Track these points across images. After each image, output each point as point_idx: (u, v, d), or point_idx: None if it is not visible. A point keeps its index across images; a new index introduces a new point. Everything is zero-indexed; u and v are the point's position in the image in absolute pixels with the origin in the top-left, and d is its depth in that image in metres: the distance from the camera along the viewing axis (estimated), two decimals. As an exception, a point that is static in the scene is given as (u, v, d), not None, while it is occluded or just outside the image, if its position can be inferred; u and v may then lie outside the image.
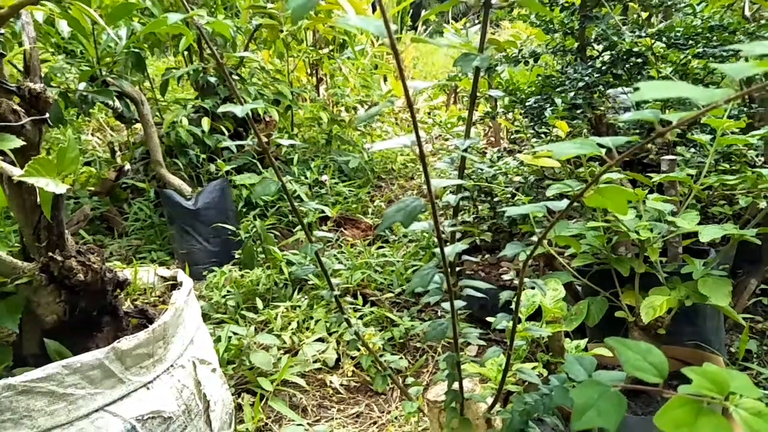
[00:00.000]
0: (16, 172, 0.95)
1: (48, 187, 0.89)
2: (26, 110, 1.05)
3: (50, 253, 1.17)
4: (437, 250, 0.69)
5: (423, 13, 11.63)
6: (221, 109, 0.70)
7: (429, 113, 6.22)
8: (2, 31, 1.01)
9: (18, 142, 0.97)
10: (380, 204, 3.78)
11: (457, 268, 2.32)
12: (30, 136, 1.05)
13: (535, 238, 0.75)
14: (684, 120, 0.44)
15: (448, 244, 0.79)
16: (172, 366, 1.43)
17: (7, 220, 2.94)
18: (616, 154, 0.53)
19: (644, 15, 2.37)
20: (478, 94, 0.89)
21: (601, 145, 0.51)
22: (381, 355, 2.08)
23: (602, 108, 2.22)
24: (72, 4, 1.58)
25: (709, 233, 1.37)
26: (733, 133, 1.99)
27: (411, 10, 10.03)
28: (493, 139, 4.95)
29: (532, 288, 1.32)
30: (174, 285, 1.75)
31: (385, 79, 7.11)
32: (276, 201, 3.48)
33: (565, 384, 0.64)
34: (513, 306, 1.15)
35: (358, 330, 0.91)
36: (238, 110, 0.66)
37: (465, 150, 0.68)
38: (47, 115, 1.08)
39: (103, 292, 1.30)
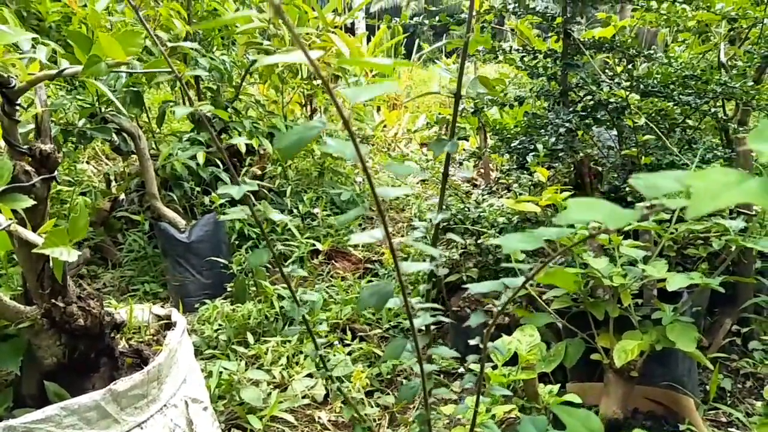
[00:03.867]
0: (30, 236, 1.02)
1: (62, 256, 0.97)
2: (36, 169, 1.13)
3: (53, 300, 1.24)
4: (426, 276, 0.76)
5: (416, 41, 11.83)
6: (221, 190, 0.78)
7: (422, 146, 6.35)
8: (19, 101, 1.09)
9: (30, 202, 1.05)
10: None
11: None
12: (39, 193, 1.12)
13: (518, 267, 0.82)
14: (610, 229, 0.52)
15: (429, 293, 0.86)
16: (165, 406, 1.48)
17: (6, 254, 2.99)
18: (557, 247, 0.62)
19: (619, 69, 2.49)
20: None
21: (548, 240, 0.59)
22: (368, 392, 2.13)
23: (582, 153, 2.32)
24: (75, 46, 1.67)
25: (676, 282, 1.45)
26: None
27: (405, 39, 10.25)
28: (483, 170, 5.07)
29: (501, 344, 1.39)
30: (168, 324, 1.81)
31: (378, 110, 7.26)
32: (269, 233, 3.55)
33: (522, 442, 0.71)
34: (493, 351, 1.21)
35: (340, 386, 0.98)
36: (234, 191, 0.74)
37: (438, 224, 0.76)
38: (56, 173, 1.16)
39: (101, 336, 1.36)
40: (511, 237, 0.58)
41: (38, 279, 1.25)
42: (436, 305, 0.73)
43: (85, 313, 1.28)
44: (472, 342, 0.72)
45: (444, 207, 2.01)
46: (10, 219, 1.02)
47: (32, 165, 1.13)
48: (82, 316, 1.27)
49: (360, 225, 4.10)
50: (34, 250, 1.00)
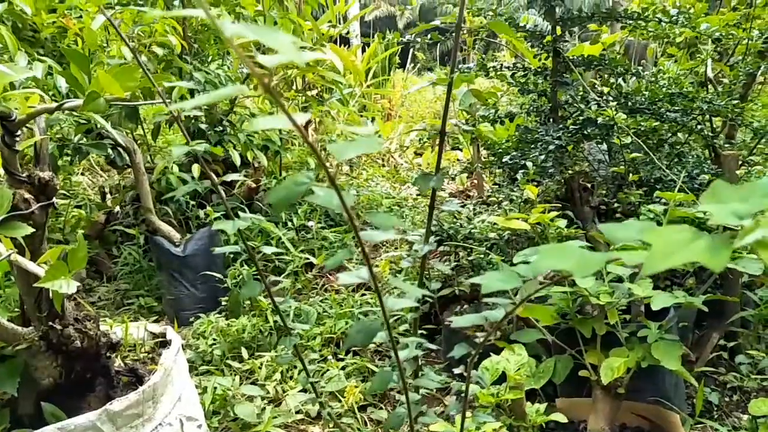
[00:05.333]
0: (30, 266, 1.05)
1: (62, 288, 1.00)
2: (35, 196, 1.16)
3: (50, 322, 1.26)
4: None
5: (411, 51, 11.90)
6: (216, 226, 0.81)
7: (417, 154, 6.39)
8: (19, 132, 1.12)
9: (29, 230, 1.08)
10: (365, 249, 3.89)
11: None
12: (38, 220, 1.15)
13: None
14: (546, 284, 0.56)
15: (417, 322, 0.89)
16: (160, 424, 1.50)
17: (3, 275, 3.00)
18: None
19: (606, 89, 2.54)
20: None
21: (523, 276, 0.63)
22: (362, 406, 2.15)
23: (571, 170, 2.36)
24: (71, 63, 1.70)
25: (659, 301, 1.48)
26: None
27: (399, 49, 10.32)
28: (476, 182, 5.12)
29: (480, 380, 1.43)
30: (163, 341, 1.83)
31: (373, 120, 7.30)
32: (263, 247, 3.56)
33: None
34: (480, 370, 1.24)
35: (331, 411, 1.01)
36: (229, 226, 0.77)
37: (424, 255, 0.80)
38: (54, 199, 1.19)
39: (97, 356, 1.39)
40: (490, 275, 0.61)
41: (36, 301, 1.28)
42: (422, 339, 0.76)
43: (81, 334, 1.30)
44: (456, 371, 0.75)
45: (435, 222, 2.05)
46: (10, 249, 1.05)
47: (31, 192, 1.16)
48: (79, 338, 1.29)
49: (354, 239, 4.12)
50: (35, 284, 1.03)
